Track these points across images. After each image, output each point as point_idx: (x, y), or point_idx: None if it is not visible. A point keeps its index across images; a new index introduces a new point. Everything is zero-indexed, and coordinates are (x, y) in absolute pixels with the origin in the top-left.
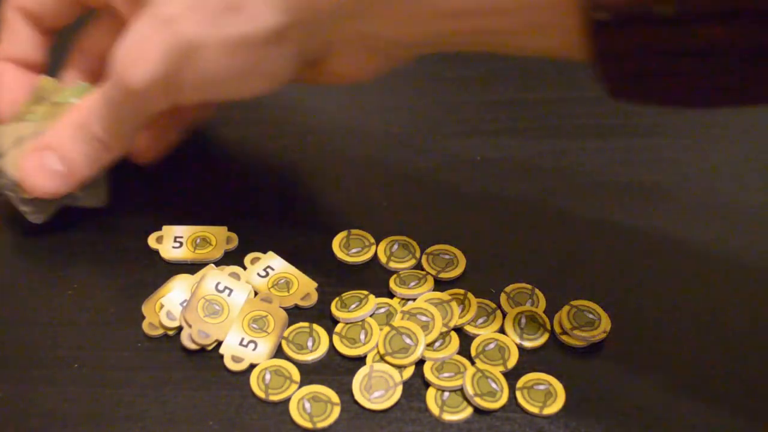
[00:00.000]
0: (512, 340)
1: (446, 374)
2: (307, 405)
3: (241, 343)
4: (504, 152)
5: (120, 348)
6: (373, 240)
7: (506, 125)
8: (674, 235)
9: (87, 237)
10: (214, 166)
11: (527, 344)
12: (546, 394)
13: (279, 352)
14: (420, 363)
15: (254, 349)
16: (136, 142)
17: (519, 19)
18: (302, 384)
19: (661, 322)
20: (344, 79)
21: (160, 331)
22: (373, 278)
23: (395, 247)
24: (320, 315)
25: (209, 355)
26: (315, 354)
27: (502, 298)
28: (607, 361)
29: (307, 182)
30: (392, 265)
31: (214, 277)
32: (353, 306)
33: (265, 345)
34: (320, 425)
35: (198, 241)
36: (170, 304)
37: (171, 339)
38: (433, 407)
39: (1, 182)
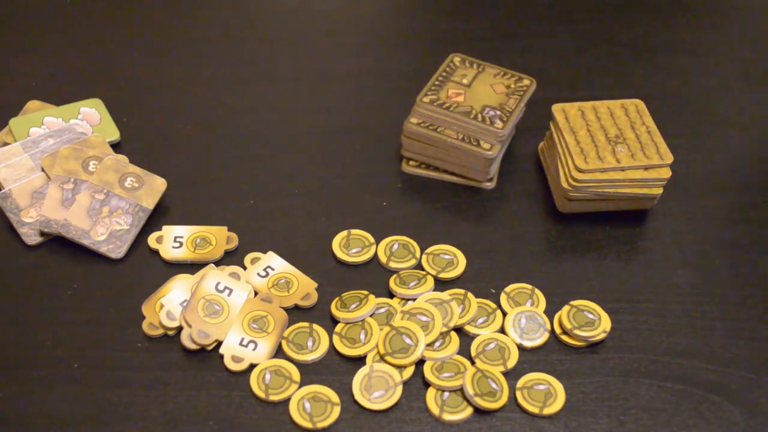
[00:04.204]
0: (512, 340)
1: (446, 374)
2: (307, 405)
3: (241, 343)
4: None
5: (120, 348)
6: (373, 240)
7: None
8: (673, 235)
9: None
10: (214, 167)
11: (527, 344)
12: (546, 394)
13: (279, 352)
14: (420, 363)
15: (254, 349)
16: None
17: None
18: (302, 384)
19: (660, 322)
20: None
21: (160, 331)
22: (373, 278)
23: (395, 247)
24: (320, 315)
25: (209, 355)
26: (315, 354)
27: (502, 298)
28: (607, 361)
29: (307, 182)
30: (392, 265)
31: (214, 277)
32: (353, 306)
33: (265, 345)
34: (320, 425)
35: (198, 241)
36: (170, 304)
37: (171, 339)
38: (433, 407)
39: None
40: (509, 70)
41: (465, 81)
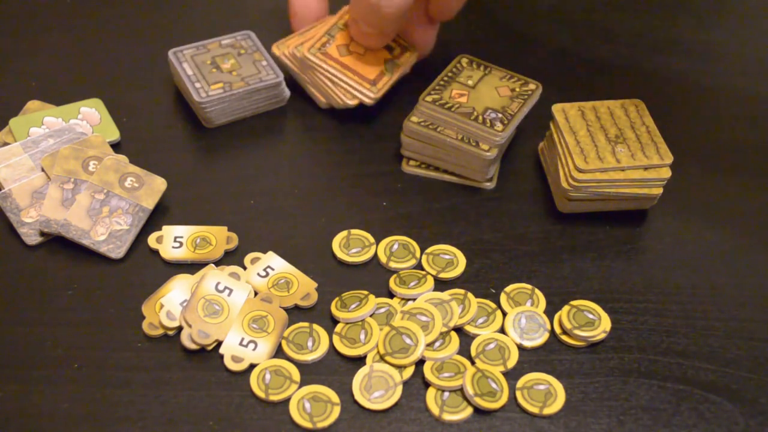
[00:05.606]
0: (512, 340)
1: (446, 374)
2: (307, 405)
3: (241, 343)
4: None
5: (120, 348)
6: (373, 240)
7: None
8: (673, 235)
9: None
10: (214, 167)
11: (527, 344)
12: (546, 394)
13: (279, 352)
14: (420, 363)
15: (254, 349)
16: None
17: None
18: (302, 384)
19: (660, 322)
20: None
21: (160, 331)
22: (373, 278)
23: (395, 247)
24: (320, 315)
25: (209, 355)
26: (315, 354)
27: (502, 298)
28: (607, 361)
29: (307, 182)
30: (392, 265)
31: (214, 277)
32: (353, 306)
33: (265, 345)
34: (320, 425)
35: (198, 241)
36: (170, 304)
37: (171, 339)
38: (433, 407)
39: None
40: (516, 74)
41: (470, 82)
